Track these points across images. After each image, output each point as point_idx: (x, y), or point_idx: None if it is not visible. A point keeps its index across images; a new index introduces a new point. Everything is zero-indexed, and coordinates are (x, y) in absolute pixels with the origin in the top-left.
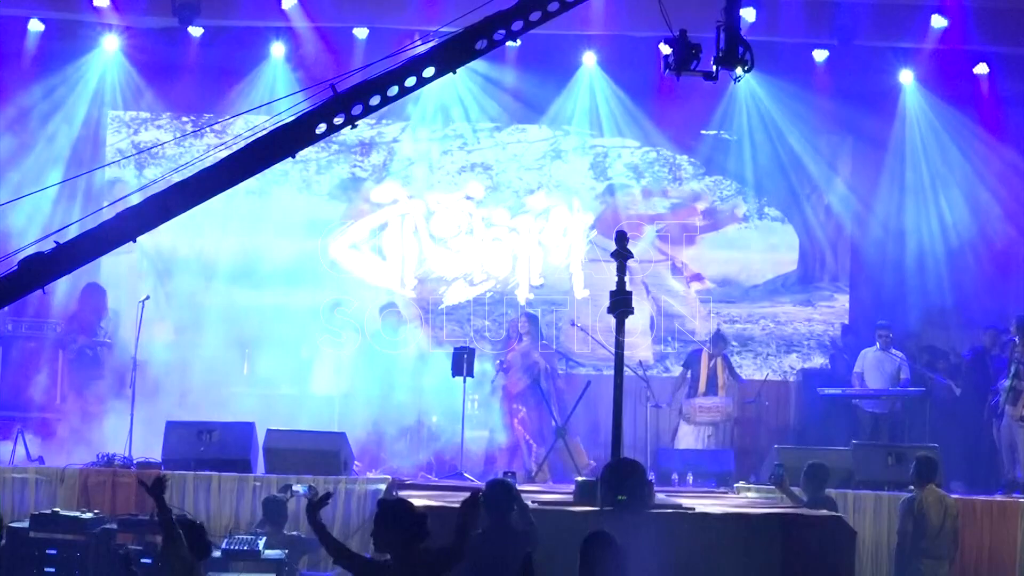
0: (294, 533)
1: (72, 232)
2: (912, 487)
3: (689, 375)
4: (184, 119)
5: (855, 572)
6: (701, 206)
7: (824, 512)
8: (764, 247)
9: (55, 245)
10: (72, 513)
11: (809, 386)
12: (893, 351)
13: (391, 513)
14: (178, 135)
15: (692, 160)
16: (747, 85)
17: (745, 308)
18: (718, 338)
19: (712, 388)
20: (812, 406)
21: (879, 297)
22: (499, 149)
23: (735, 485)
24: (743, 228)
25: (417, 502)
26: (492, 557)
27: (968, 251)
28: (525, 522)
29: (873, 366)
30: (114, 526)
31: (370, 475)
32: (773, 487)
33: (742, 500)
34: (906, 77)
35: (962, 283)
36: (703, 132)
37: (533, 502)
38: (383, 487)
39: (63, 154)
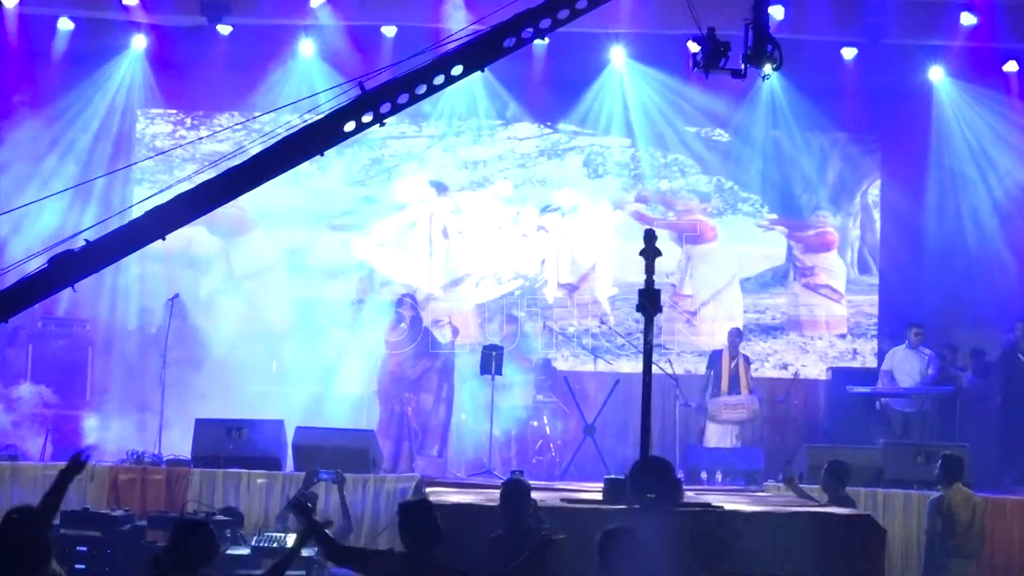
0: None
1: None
2: (939, 486)
3: (712, 374)
4: (212, 117)
5: (885, 571)
6: (724, 204)
7: (854, 511)
8: (810, 242)
9: (85, 243)
10: (102, 510)
11: (839, 384)
12: (922, 348)
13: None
14: (206, 133)
15: (718, 157)
16: (773, 83)
17: (770, 300)
18: (734, 335)
19: (735, 387)
20: (842, 404)
21: (907, 294)
22: (528, 147)
23: (765, 483)
24: (769, 225)
25: (451, 499)
26: (513, 558)
27: (998, 249)
28: (537, 520)
29: (902, 364)
30: (143, 523)
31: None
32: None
33: (772, 498)
34: (936, 74)
35: (991, 281)
36: (729, 130)
37: (562, 500)
38: (412, 485)
39: (92, 152)
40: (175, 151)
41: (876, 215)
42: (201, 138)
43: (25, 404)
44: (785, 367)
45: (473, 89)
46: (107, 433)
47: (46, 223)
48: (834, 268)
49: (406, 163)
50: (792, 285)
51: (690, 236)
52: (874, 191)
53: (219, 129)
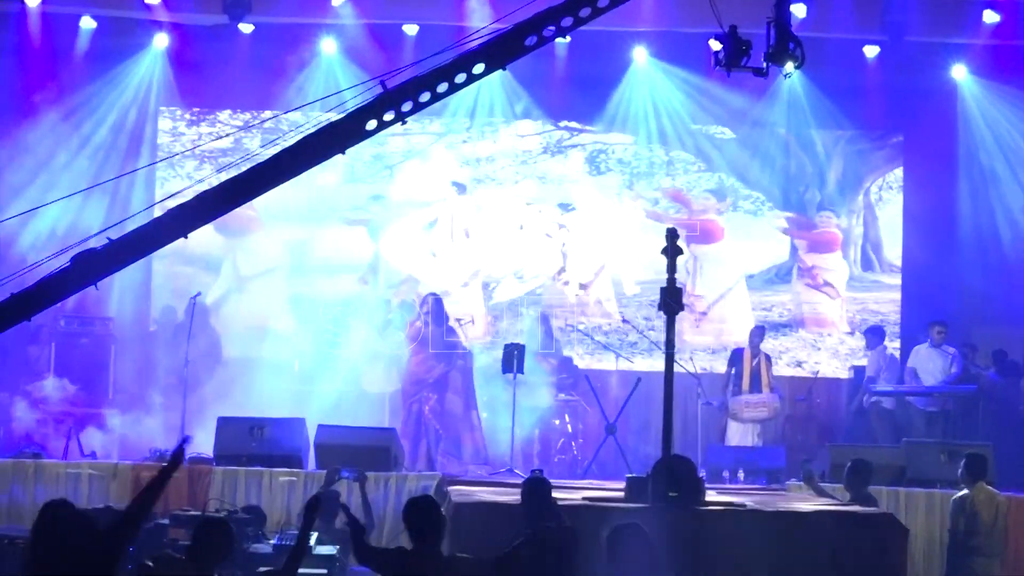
0: (345, 526)
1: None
2: (962, 485)
3: (733, 372)
4: (234, 115)
5: (907, 570)
6: (749, 201)
7: (876, 509)
8: (814, 241)
9: (107, 241)
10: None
11: (861, 383)
12: (946, 347)
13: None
14: (228, 132)
15: (742, 154)
16: (795, 81)
17: (775, 297)
18: (756, 333)
19: (756, 385)
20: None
21: (930, 292)
22: (549, 146)
23: (787, 482)
24: (792, 221)
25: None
26: (539, 558)
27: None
28: (558, 517)
29: (925, 363)
30: (166, 521)
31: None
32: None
33: (794, 497)
34: (959, 72)
35: (1013, 279)
36: (746, 128)
37: (584, 499)
38: (433, 483)
39: (113, 151)
40: (195, 150)
41: (879, 212)
42: (222, 136)
43: (48, 402)
44: (800, 364)
45: (491, 87)
46: (129, 431)
47: (55, 218)
48: (837, 266)
49: (422, 160)
50: (796, 283)
51: (699, 235)
52: (895, 187)
53: (240, 128)
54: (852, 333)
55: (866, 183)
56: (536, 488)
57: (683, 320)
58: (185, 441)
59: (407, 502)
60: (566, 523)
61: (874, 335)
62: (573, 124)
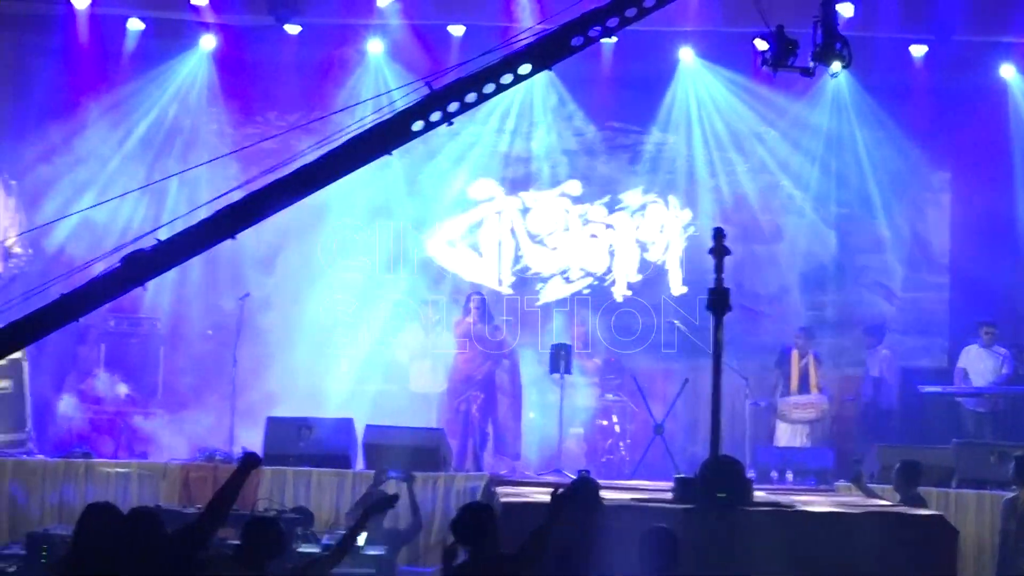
0: (393, 527)
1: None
2: (1013, 486)
3: (781, 373)
4: (281, 117)
5: (957, 571)
6: (797, 199)
7: (926, 511)
8: (863, 242)
9: (156, 242)
10: (173, 508)
11: (910, 383)
12: (997, 348)
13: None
14: (274, 133)
15: (790, 153)
16: (841, 81)
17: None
18: (804, 333)
19: (804, 386)
20: (913, 403)
21: (978, 293)
22: (595, 145)
23: (836, 483)
24: (841, 219)
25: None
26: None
27: None
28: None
29: (975, 363)
30: None
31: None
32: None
33: (842, 498)
34: (1008, 72)
35: None
36: (792, 128)
37: (632, 500)
38: (481, 484)
39: (159, 151)
40: (242, 151)
41: (927, 212)
42: (268, 137)
43: (98, 402)
44: (858, 365)
45: (537, 87)
46: (179, 430)
47: (96, 217)
48: (887, 266)
49: (469, 160)
50: (846, 282)
51: (749, 235)
52: (944, 188)
53: (287, 129)
54: (907, 333)
55: (914, 183)
56: (585, 488)
57: (741, 322)
58: (250, 456)
59: (460, 509)
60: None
61: (873, 334)
62: (620, 124)
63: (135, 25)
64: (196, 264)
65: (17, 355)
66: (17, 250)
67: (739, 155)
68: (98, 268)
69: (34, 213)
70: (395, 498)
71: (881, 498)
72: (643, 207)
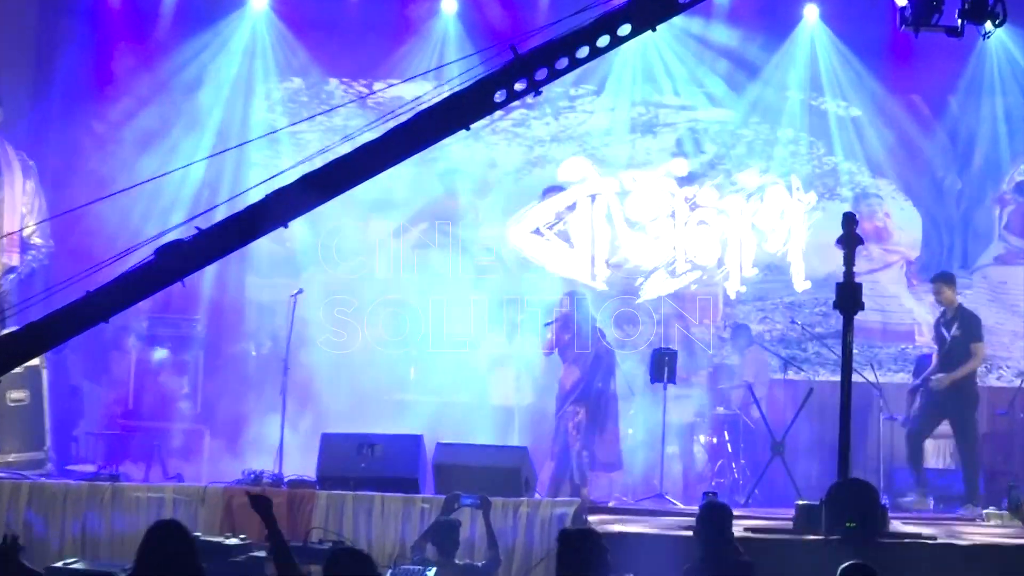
0: (467, 562)
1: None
2: None
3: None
4: (343, 85)
5: None
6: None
7: None
8: None
9: (196, 231)
10: (215, 538)
11: None
12: None
13: (573, 545)
14: (335, 103)
15: (933, 127)
16: (997, 41)
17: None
18: None
19: None
20: None
21: None
22: (706, 118)
23: (984, 511)
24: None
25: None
26: None
27: None
28: (736, 551)
29: None
30: (262, 554)
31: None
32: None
33: (994, 529)
34: None
35: None
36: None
37: (746, 530)
38: (571, 511)
39: (208, 125)
40: (299, 125)
41: None
42: (328, 110)
43: (129, 416)
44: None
45: (646, 52)
46: (221, 450)
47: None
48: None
49: (559, 137)
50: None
51: (878, 226)
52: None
53: (351, 99)
54: None
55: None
56: (714, 514)
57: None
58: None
59: (562, 532)
60: (744, 558)
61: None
62: (784, 94)
63: None
64: (241, 255)
65: (35, 362)
66: (36, 240)
67: (876, 126)
68: (132, 261)
69: (60, 199)
70: (457, 523)
71: None
72: (761, 189)
